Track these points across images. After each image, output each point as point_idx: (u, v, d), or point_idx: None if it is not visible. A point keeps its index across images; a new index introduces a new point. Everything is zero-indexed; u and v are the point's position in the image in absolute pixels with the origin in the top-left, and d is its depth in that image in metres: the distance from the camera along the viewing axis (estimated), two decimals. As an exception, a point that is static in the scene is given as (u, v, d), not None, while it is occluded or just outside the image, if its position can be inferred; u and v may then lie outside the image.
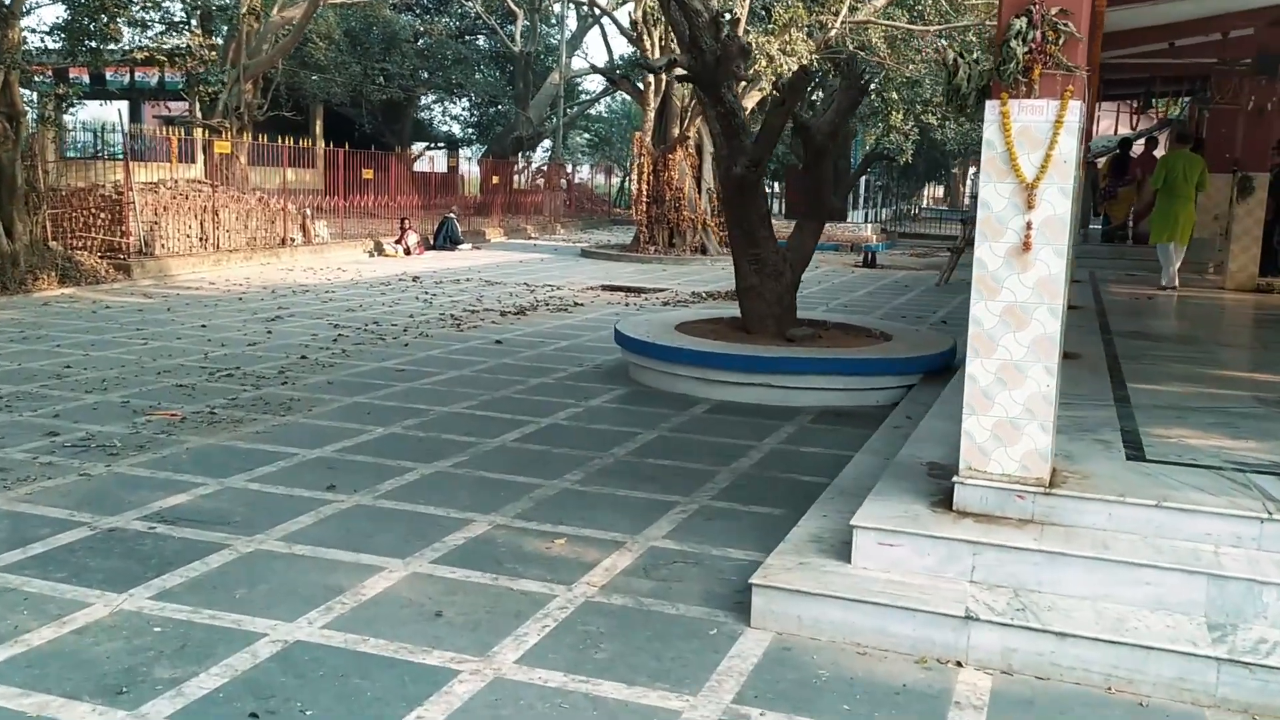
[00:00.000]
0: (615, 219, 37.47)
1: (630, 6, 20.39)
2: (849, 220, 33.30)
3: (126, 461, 5.73)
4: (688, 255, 21.51)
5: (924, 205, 51.36)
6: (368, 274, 16.88)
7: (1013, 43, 3.61)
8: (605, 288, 16.13)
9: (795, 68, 20.13)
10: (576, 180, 39.37)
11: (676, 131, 21.49)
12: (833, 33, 22.13)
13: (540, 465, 5.91)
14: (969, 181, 59.55)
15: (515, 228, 28.49)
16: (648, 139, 21.37)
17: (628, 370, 8.88)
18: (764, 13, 22.16)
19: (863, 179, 33.27)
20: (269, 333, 10.57)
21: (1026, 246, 3.76)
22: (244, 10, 23.22)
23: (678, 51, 19.20)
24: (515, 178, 33.69)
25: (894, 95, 25.46)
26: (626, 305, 13.97)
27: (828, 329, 9.02)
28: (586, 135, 49.71)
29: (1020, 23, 3.61)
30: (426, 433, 6.61)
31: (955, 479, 3.90)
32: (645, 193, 21.56)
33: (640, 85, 22.76)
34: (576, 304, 13.91)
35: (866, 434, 6.83)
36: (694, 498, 5.33)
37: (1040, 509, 3.79)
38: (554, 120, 39.97)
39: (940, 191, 65.88)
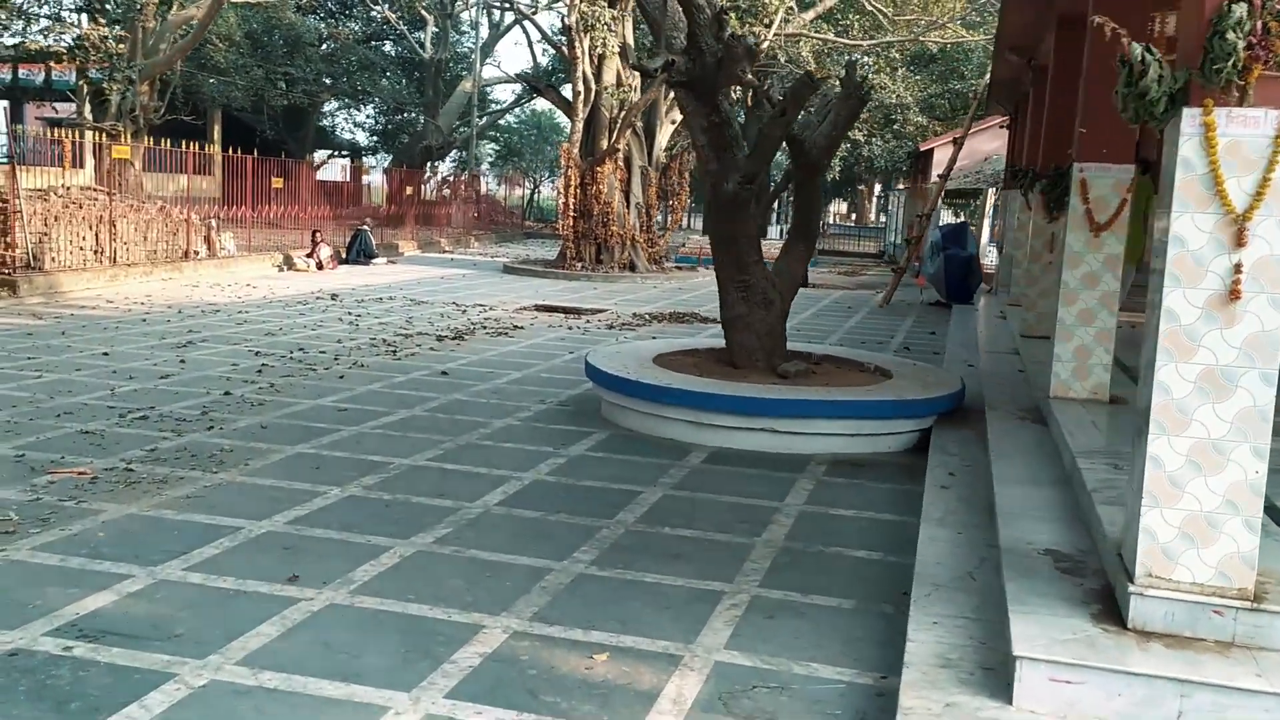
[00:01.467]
0: (528, 232, 36.45)
1: (562, 9, 19.49)
2: (770, 238, 32.95)
3: (27, 543, 4.58)
4: (616, 272, 20.66)
5: (829, 222, 51.45)
6: (281, 291, 15.56)
7: (1229, 35, 2.83)
8: (540, 308, 15.16)
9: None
10: (485, 192, 38.15)
11: (605, 144, 20.63)
12: (765, 44, 21.62)
13: (540, 539, 4.96)
14: (874, 199, 60.25)
15: (428, 241, 27.26)
16: (575, 151, 20.47)
17: (599, 408, 7.97)
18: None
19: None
20: (182, 362, 9.32)
21: (1235, 294, 2.97)
22: (141, 6, 21.58)
23: (622, 54, 18.27)
24: (424, 189, 32.38)
25: (822, 111, 25.07)
26: (570, 329, 13.03)
27: (818, 363, 8.24)
28: (494, 146, 48.53)
29: (1240, 9, 2.83)
30: (392, 494, 5.58)
31: (1132, 589, 3.10)
32: (572, 207, 20.64)
33: (568, 95, 21.85)
34: (515, 327, 12.91)
35: (896, 489, 6.06)
36: (739, 584, 4.45)
37: (1244, 629, 3.01)
38: (464, 130, 38.75)
39: (843, 208, 66.59)
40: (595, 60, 20.25)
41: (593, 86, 20.20)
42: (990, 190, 23.23)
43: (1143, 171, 14.99)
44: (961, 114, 27.53)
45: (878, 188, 55.87)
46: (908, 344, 12.82)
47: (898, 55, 26.55)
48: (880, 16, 26.17)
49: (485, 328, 12.71)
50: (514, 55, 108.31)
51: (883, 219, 61.36)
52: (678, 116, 22.22)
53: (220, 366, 9.19)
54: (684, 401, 6.97)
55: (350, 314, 13.35)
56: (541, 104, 44.83)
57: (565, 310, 15.04)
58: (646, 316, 14.58)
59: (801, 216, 8.18)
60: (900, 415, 6.92)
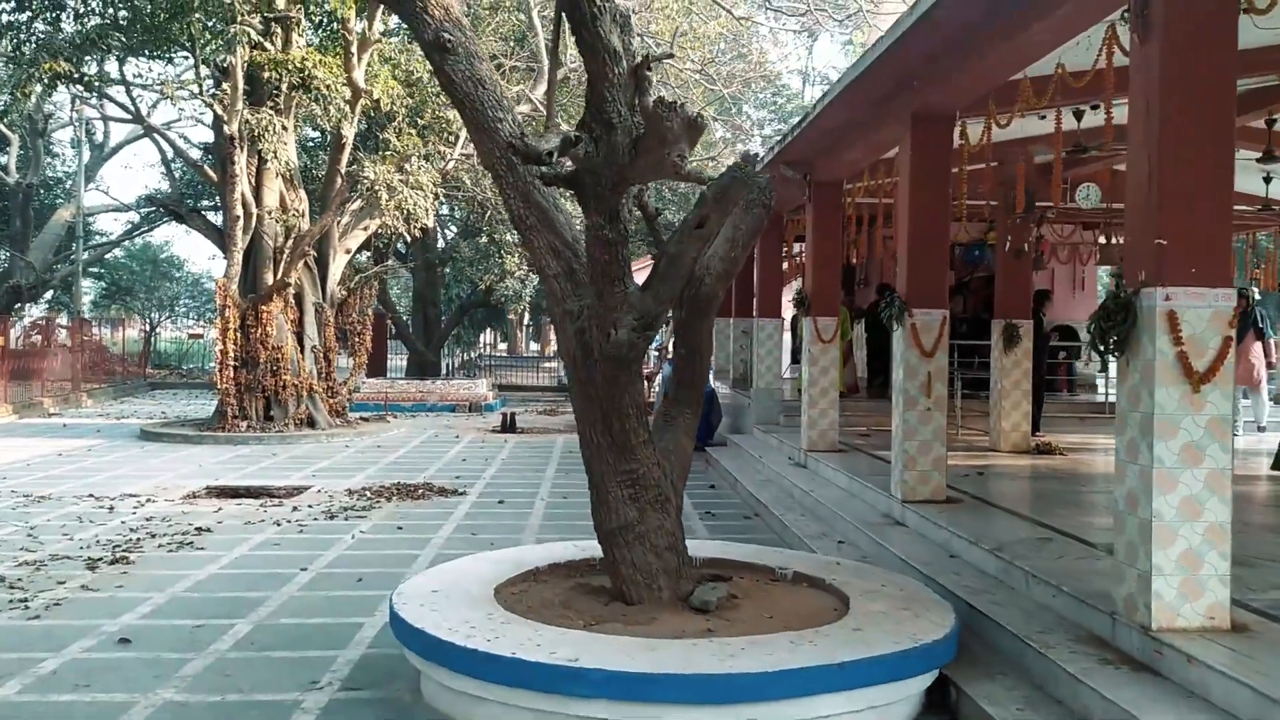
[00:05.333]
0: (153, 383, 31.07)
1: (199, 116, 15.94)
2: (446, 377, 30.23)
3: None
4: (293, 430, 17.08)
5: (480, 353, 49.56)
6: None
7: None
8: (217, 492, 11.52)
9: (423, 201, 17.03)
10: (94, 337, 32.24)
11: (272, 278, 17.20)
12: (450, 164, 19.42)
13: None
14: (524, 328, 59.25)
15: (26, 402, 21.81)
16: (233, 287, 16.84)
17: (417, 687, 5.04)
18: (376, 142, 18.88)
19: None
20: None
21: None
22: None
23: (285, 175, 15.23)
24: (14, 337, 26.39)
25: (507, 236, 23.15)
26: (277, 524, 9.64)
27: (726, 578, 5.81)
28: (99, 284, 42.01)
29: None
30: None
31: None
32: (233, 354, 16.89)
33: (217, 221, 18.25)
34: (198, 529, 9.33)
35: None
36: None
37: None
38: (63, 266, 32.82)
39: (491, 337, 65.09)
40: (254, 180, 16.94)
41: (253, 210, 16.82)
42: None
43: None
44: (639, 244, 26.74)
45: (525, 317, 54.87)
46: (698, 508, 10.72)
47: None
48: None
49: (154, 536, 9.02)
50: (122, 180, 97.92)
51: (534, 347, 60.61)
52: (352, 245, 19.27)
53: None
54: (609, 690, 4.24)
55: (-66, 531, 9.10)
56: (159, 235, 39.51)
57: (253, 493, 11.50)
58: (368, 494, 11.42)
59: (688, 370, 5.81)
60: (921, 667, 4.64)
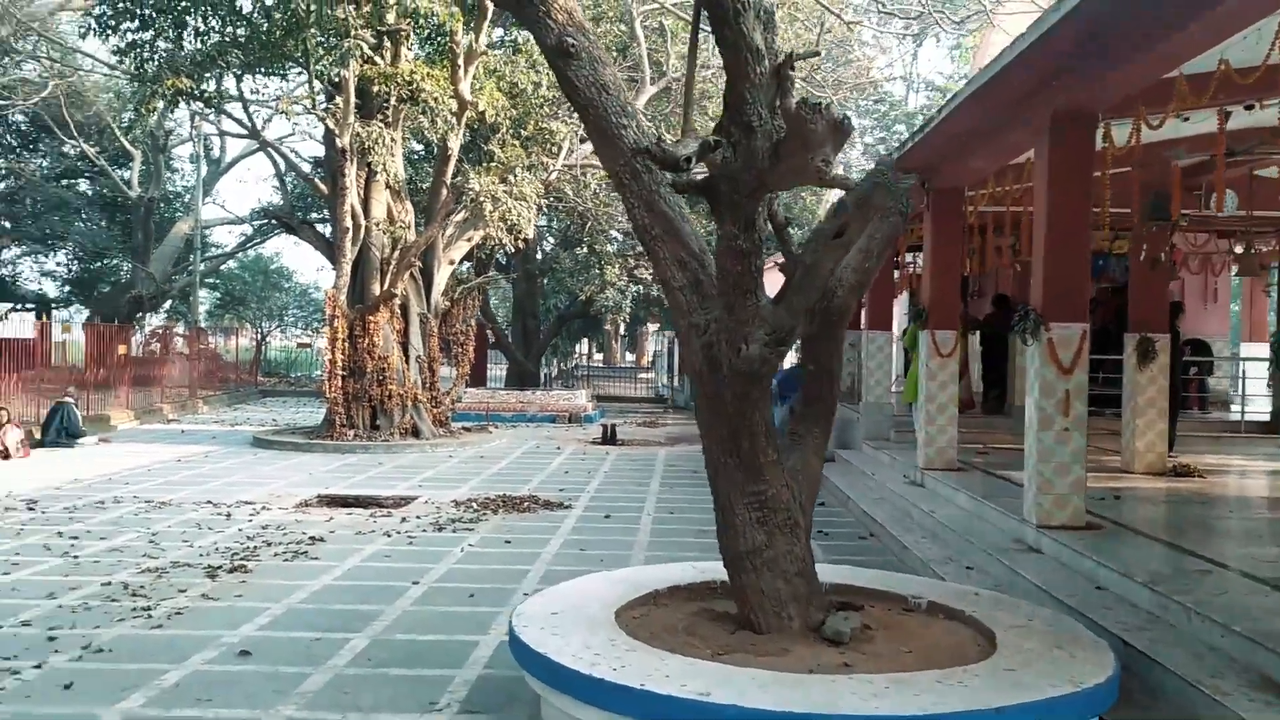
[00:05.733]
0: (264, 390, 31.87)
1: (311, 131, 16.21)
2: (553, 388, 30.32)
3: None
4: (398, 439, 17.24)
5: (576, 363, 49.64)
6: (-52, 502, 11.11)
7: None
8: (328, 501, 11.61)
9: (526, 212, 17.05)
10: (210, 346, 33.23)
11: (379, 289, 17.42)
12: (552, 175, 19.43)
13: None
14: (619, 339, 59.25)
15: (147, 408, 22.52)
16: (342, 298, 17.09)
17: (539, 711, 4.88)
18: (479, 154, 18.99)
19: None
20: None
21: None
22: None
23: (392, 186, 15.46)
24: (135, 345, 27.29)
25: (608, 248, 23.09)
26: (387, 535, 9.63)
27: (858, 607, 5.51)
28: (213, 294, 43.38)
29: None
30: None
31: None
32: (341, 364, 17.12)
33: (327, 233, 18.59)
34: (311, 539, 9.37)
35: None
36: None
37: None
38: (181, 278, 33.97)
39: (587, 347, 65.27)
40: (362, 192, 17.17)
41: (361, 222, 17.05)
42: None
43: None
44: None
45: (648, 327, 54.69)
46: (871, 532, 10.41)
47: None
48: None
49: (269, 544, 9.09)
50: (237, 193, 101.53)
51: (629, 358, 60.59)
52: (456, 256, 19.42)
53: None
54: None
55: (62, 536, 9.30)
56: (269, 246, 40.67)
57: (362, 502, 11.56)
58: (474, 506, 11.37)
59: (818, 387, 5.54)
60: (1082, 713, 4.28)
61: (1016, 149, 9.02)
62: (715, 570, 6.07)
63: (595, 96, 5.37)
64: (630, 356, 59.53)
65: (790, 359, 11.87)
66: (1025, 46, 6.76)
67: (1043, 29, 6.31)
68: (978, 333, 16.57)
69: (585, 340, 58.60)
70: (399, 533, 9.78)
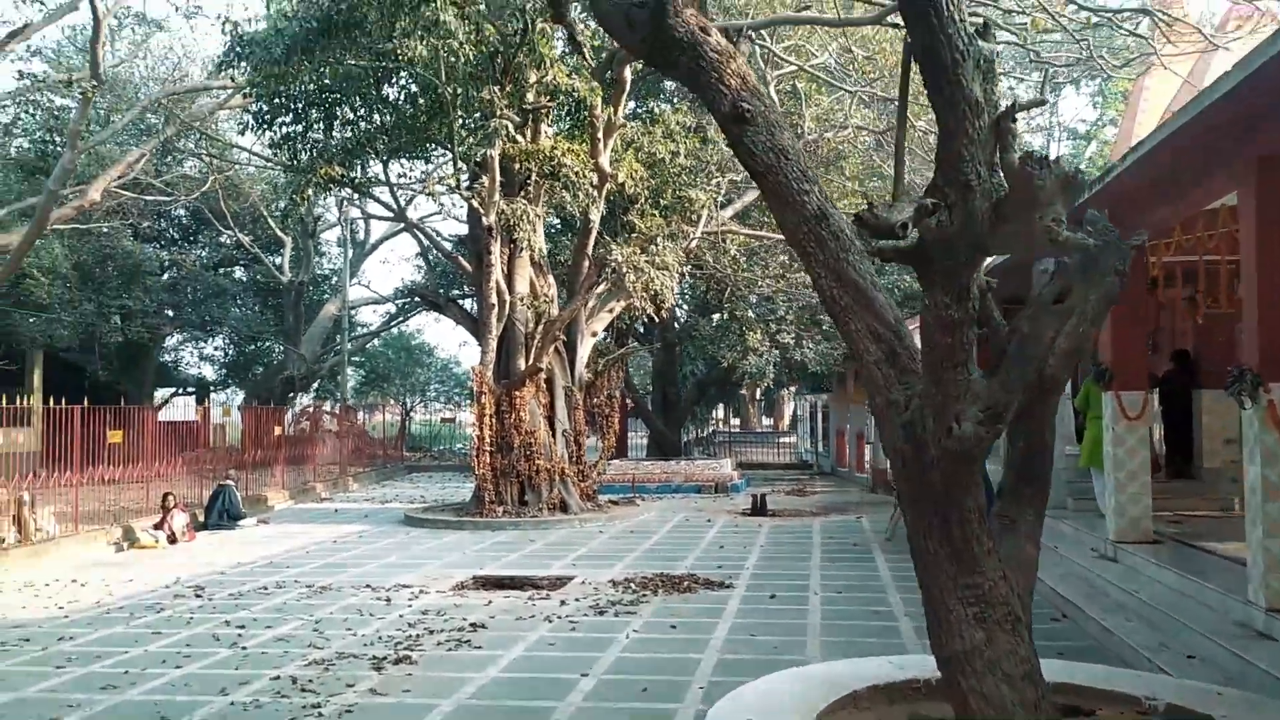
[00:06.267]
0: (410, 465, 32.44)
1: (453, 211, 16.51)
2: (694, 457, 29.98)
3: None
4: (547, 515, 17.09)
5: (714, 429, 49.04)
6: (123, 587, 11.36)
7: None
8: (483, 582, 11.44)
9: (668, 281, 16.88)
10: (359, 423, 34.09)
11: (524, 363, 17.46)
12: (694, 243, 19.28)
13: None
14: (756, 403, 58.50)
15: (301, 486, 23.07)
16: (488, 374, 17.17)
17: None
18: (618, 225, 19.00)
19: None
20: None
21: None
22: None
23: (535, 261, 15.55)
24: (290, 425, 28.15)
25: (748, 313, 22.76)
26: (549, 620, 9.35)
27: (1088, 713, 4.92)
28: (361, 372, 44.71)
29: None
30: None
31: None
32: (489, 439, 17.14)
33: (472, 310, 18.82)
34: (472, 625, 9.16)
35: None
36: None
37: None
38: (329, 357, 35.10)
39: (723, 413, 64.64)
40: (506, 267, 17.33)
41: (506, 298, 17.17)
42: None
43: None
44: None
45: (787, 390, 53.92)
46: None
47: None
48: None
49: (431, 631, 8.91)
50: (381, 274, 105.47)
51: (766, 422, 59.74)
52: (598, 328, 19.37)
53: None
54: None
55: (229, 624, 9.33)
56: (411, 323, 41.75)
57: (518, 584, 11.35)
58: (632, 586, 11.02)
59: (1030, 463, 5.03)
60: None
61: (1211, 195, 8.33)
62: (916, 666, 5.57)
63: (774, 162, 5.07)
64: (767, 421, 58.71)
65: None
66: (1226, 89, 6.19)
67: (1248, 69, 5.75)
68: (1157, 391, 15.49)
69: (721, 405, 58.14)
70: (560, 617, 9.49)
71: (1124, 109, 22.73)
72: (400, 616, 9.60)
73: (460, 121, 15.21)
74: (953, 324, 4.15)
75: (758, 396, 56.33)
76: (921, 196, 3.73)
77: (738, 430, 51.34)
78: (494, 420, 17.22)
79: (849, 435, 26.70)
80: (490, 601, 10.31)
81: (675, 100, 21.81)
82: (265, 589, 11.17)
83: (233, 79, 18.52)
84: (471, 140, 15.75)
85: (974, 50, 3.51)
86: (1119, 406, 10.05)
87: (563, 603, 10.19)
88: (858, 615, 9.47)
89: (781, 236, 22.44)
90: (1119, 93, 30.39)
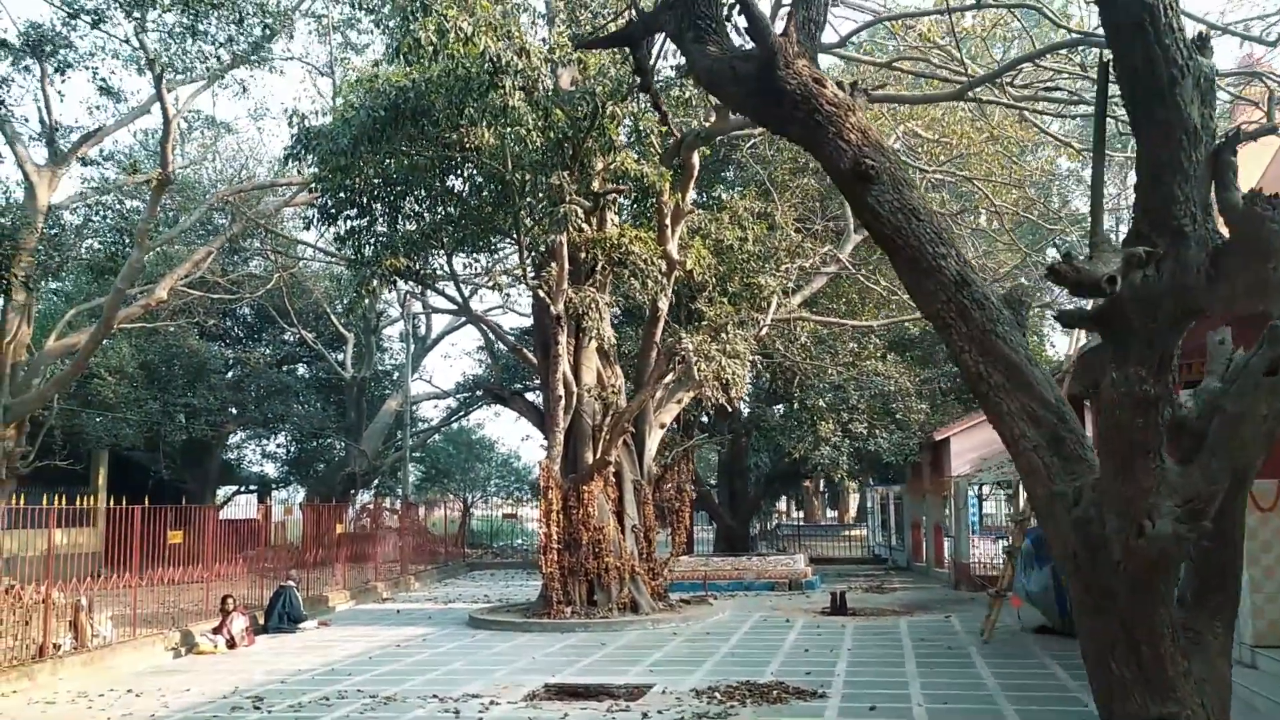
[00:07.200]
0: (470, 563, 31.76)
1: (517, 305, 16.20)
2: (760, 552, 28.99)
3: None
4: (616, 615, 16.31)
5: (779, 522, 47.70)
6: (179, 700, 10.76)
7: None
8: (558, 693, 10.67)
9: (739, 369, 16.30)
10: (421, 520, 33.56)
11: (591, 457, 16.87)
12: (764, 330, 18.72)
13: None
14: (820, 495, 57.05)
15: (362, 586, 22.48)
16: (556, 467, 16.59)
17: None
18: (684, 313, 18.56)
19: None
20: None
21: None
22: (7, 339, 17.77)
23: (601, 350, 15.15)
24: (350, 522, 27.66)
25: (819, 402, 22.02)
26: (632, 737, 8.58)
27: None
28: (421, 468, 44.39)
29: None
30: None
31: None
32: (556, 536, 16.47)
33: (538, 403, 18.34)
34: (550, 742, 8.43)
35: None
36: None
37: None
38: (390, 453, 34.82)
39: (783, 504, 63.15)
40: (572, 358, 16.87)
41: (574, 389, 16.68)
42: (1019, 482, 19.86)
43: None
44: (966, 398, 24.83)
45: (821, 484, 52.65)
46: None
47: (877, 340, 24.05)
48: (859, 300, 23.90)
49: (506, 750, 8.19)
50: (441, 369, 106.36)
51: (830, 514, 58.20)
52: (666, 419, 18.77)
53: None
54: None
55: (290, 742, 8.70)
56: (472, 418, 41.46)
57: (593, 693, 10.57)
58: (718, 696, 10.19)
59: (1219, 566, 4.29)
60: None
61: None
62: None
63: (903, 224, 4.51)
64: (832, 513, 57.27)
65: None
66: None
67: None
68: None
69: (785, 498, 56.84)
70: (644, 733, 8.71)
71: None
72: (471, 732, 8.89)
73: (527, 210, 14.91)
74: (1147, 402, 3.49)
75: (820, 488, 54.97)
76: (1124, 244, 3.12)
77: (803, 523, 49.99)
78: (561, 516, 16.56)
79: (925, 528, 25.60)
80: (566, 715, 9.55)
81: (741, 187, 21.50)
82: (327, 700, 10.52)
83: (299, 173, 18.57)
84: (538, 229, 15.45)
85: (1194, 66, 2.94)
86: (1250, 497, 9.15)
87: (644, 715, 9.40)
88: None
89: (853, 323, 21.86)
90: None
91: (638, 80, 7.35)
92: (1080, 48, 12.64)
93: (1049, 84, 13.97)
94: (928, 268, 4.45)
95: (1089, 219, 3.46)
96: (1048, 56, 12.86)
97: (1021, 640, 13.69)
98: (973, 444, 21.64)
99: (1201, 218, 3.12)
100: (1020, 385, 4.24)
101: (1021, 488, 18.93)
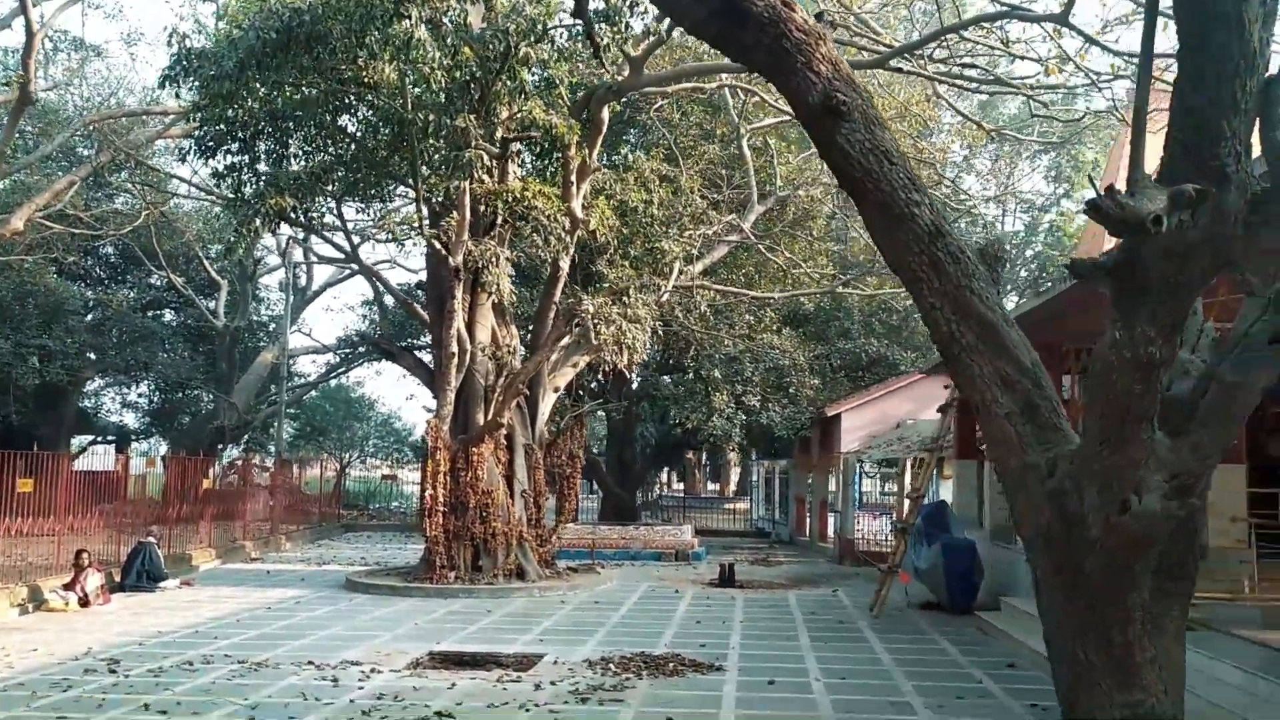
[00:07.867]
0: (346, 524, 30.72)
1: (409, 253, 15.35)
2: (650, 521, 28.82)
3: None
4: (502, 581, 15.81)
5: (660, 493, 47.72)
6: (25, 661, 9.83)
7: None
8: (440, 660, 10.14)
9: (640, 334, 15.92)
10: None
11: (483, 418, 16.26)
12: (665, 296, 18.37)
13: None
14: (702, 469, 57.31)
15: (230, 545, 21.39)
16: (445, 427, 15.93)
17: None
18: (584, 275, 18.05)
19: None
20: None
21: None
22: None
23: (497, 307, 14.56)
24: (216, 478, 26.28)
25: (714, 373, 21.83)
26: (526, 710, 8.13)
27: None
28: (295, 425, 42.76)
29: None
30: None
31: None
32: (442, 499, 15.83)
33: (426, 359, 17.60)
34: (437, 714, 7.92)
35: None
36: None
37: None
38: (263, 408, 33.40)
39: (666, 476, 63.28)
40: (468, 315, 16.19)
41: (468, 347, 16.01)
42: (909, 459, 20.09)
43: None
44: (856, 375, 25.02)
45: (704, 456, 52.94)
46: (1018, 697, 8.69)
47: (773, 314, 24.00)
48: (756, 272, 23.77)
49: (387, 718, 7.65)
50: (322, 322, 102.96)
51: (711, 486, 58.54)
52: (561, 383, 18.25)
53: None
54: None
55: (148, 708, 7.95)
56: (351, 375, 40.10)
57: (481, 661, 10.09)
58: (611, 667, 9.83)
59: (1179, 551, 4.05)
60: None
61: None
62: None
63: (875, 166, 4.13)
64: (713, 486, 57.65)
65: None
66: None
67: None
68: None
69: (667, 469, 56.94)
70: (537, 705, 8.27)
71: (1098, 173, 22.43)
72: (351, 702, 8.31)
73: (426, 154, 14.10)
74: (1151, 365, 3.18)
75: (704, 461, 55.26)
76: (1157, 183, 2.76)
77: (685, 494, 50.17)
78: (448, 478, 15.91)
79: (810, 503, 25.77)
80: (454, 684, 9.04)
81: (646, 150, 21.04)
82: (190, 664, 9.75)
83: (177, 101, 17.30)
84: (436, 176, 14.66)
85: (1264, -21, 2.59)
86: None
87: (537, 686, 8.97)
88: (872, 707, 8.42)
89: (752, 294, 21.67)
90: (1081, 162, 30.46)
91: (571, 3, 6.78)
92: (1001, 22, 12.55)
93: (965, 59, 13.89)
94: (899, 215, 4.08)
95: (1128, 154, 3.10)
96: (970, 29, 12.74)
97: (910, 616, 13.74)
98: (864, 421, 21.79)
99: (1246, 160, 2.80)
100: (995, 347, 3.91)
101: (911, 465, 19.10)
